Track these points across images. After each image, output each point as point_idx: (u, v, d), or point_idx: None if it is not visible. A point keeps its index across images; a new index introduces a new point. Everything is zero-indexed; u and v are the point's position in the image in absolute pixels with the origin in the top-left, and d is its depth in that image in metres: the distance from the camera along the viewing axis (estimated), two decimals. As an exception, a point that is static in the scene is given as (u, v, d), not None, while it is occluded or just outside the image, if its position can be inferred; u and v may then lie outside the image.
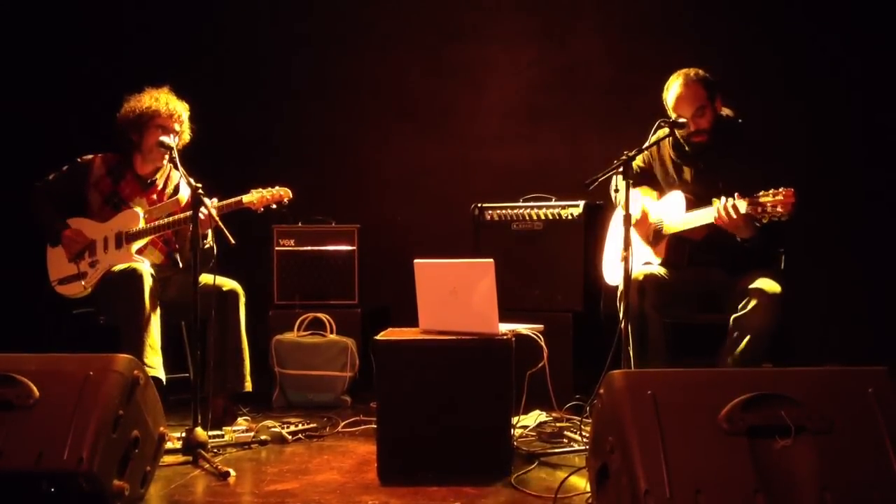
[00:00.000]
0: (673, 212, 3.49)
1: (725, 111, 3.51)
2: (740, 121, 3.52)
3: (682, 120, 3.42)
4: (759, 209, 3.03)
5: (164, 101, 3.83)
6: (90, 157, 3.94)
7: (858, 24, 4.50)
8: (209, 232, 3.56)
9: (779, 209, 2.99)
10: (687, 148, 3.51)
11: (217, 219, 3.40)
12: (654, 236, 3.60)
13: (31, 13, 5.04)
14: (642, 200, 3.65)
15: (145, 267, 3.67)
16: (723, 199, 3.18)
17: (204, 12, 5.14)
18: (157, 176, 3.98)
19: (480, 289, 2.99)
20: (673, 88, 3.45)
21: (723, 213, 3.17)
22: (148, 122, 3.83)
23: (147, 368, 3.23)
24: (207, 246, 3.66)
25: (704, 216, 3.28)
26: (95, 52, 5.03)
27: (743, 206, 3.09)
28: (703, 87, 3.42)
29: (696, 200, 3.40)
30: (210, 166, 3.84)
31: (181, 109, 3.87)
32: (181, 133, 3.87)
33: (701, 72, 3.46)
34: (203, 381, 3.37)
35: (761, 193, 3.04)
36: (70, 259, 3.80)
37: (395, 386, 3.00)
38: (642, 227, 3.61)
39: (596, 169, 3.27)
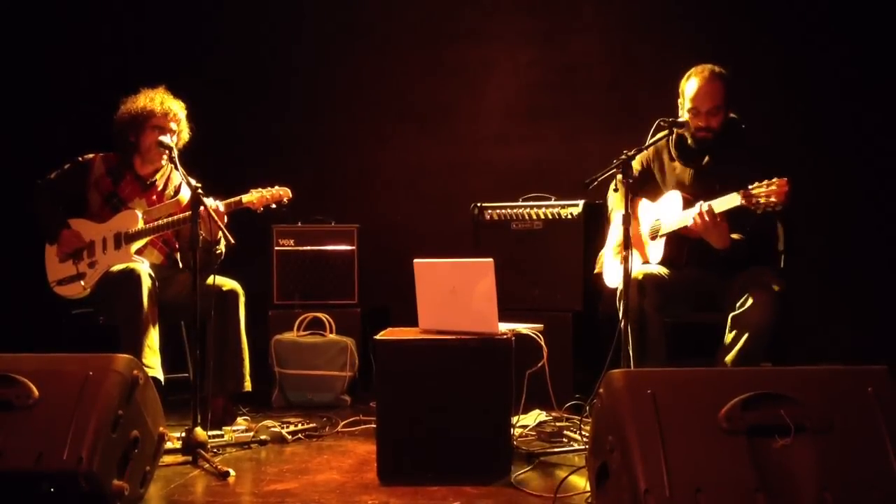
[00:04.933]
0: (669, 211, 3.49)
1: (731, 114, 3.51)
2: (743, 126, 3.52)
3: (682, 119, 3.43)
4: (753, 200, 3.04)
5: (159, 101, 3.83)
6: (91, 156, 3.94)
7: (858, 24, 4.49)
8: (221, 239, 3.54)
9: (772, 199, 3.00)
10: (690, 141, 3.50)
11: (217, 219, 3.40)
12: (652, 236, 3.59)
13: (34, 11, 5.04)
14: (639, 214, 3.66)
15: (144, 267, 3.67)
16: (698, 205, 3.22)
17: (204, 12, 5.14)
18: (157, 177, 3.98)
19: (480, 288, 2.99)
20: (695, 80, 3.43)
21: (697, 219, 3.22)
22: (144, 123, 3.83)
23: (145, 368, 3.23)
24: (218, 251, 3.65)
25: (688, 217, 3.30)
26: (98, 52, 5.02)
27: (737, 199, 3.10)
28: (724, 87, 3.41)
29: (694, 201, 3.40)
30: (210, 166, 3.84)
31: (177, 108, 3.86)
32: (179, 132, 3.87)
33: (725, 71, 3.44)
34: (203, 381, 3.37)
35: (755, 185, 3.04)
36: (62, 258, 3.80)
37: (395, 385, 3.00)
38: (635, 241, 3.60)
39: (595, 168, 3.26)
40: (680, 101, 3.50)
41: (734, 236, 3.30)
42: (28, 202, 3.89)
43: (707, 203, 3.22)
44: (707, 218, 3.21)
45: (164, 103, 3.83)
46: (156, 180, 3.97)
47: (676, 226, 3.40)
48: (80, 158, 3.94)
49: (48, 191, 3.88)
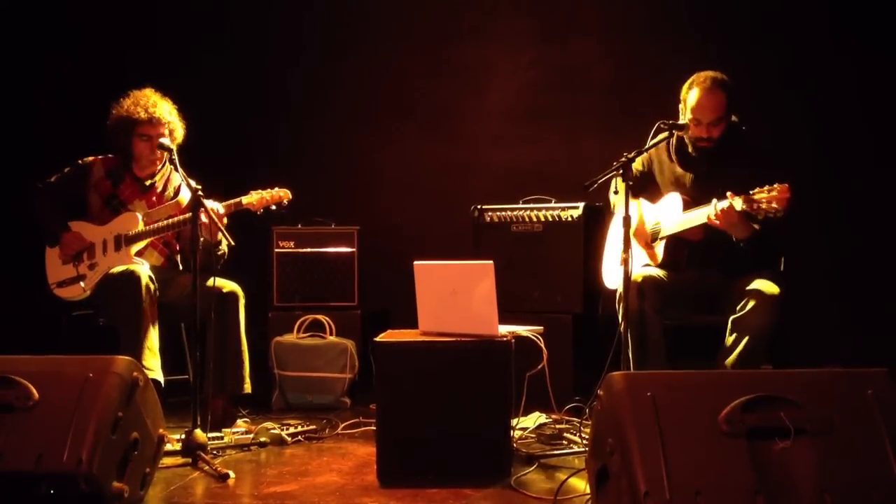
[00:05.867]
0: (670, 213, 3.49)
1: (732, 117, 3.50)
2: (744, 128, 3.51)
3: (682, 122, 3.42)
4: (755, 206, 3.04)
5: (143, 107, 3.80)
6: (91, 158, 3.95)
7: (857, 25, 4.50)
8: (223, 240, 3.54)
9: (774, 205, 2.99)
10: (690, 149, 3.50)
11: (217, 220, 3.40)
12: (652, 238, 3.59)
13: (36, 12, 5.04)
14: (638, 209, 3.64)
15: (144, 269, 3.67)
16: (715, 200, 3.20)
17: (204, 13, 5.14)
18: (157, 178, 3.98)
19: (480, 290, 2.99)
20: (696, 90, 3.39)
21: (718, 213, 3.18)
22: (131, 130, 3.81)
23: (145, 370, 3.23)
24: (220, 252, 3.66)
25: (701, 216, 3.28)
26: (100, 55, 5.02)
27: (739, 203, 3.09)
28: (727, 98, 3.38)
29: (694, 203, 3.40)
30: (210, 167, 3.83)
31: (164, 112, 3.82)
32: (172, 131, 3.84)
33: (727, 79, 3.41)
34: (203, 383, 3.36)
35: (756, 190, 3.04)
36: (64, 261, 3.80)
37: (395, 388, 2.99)
38: (639, 235, 3.59)
39: (596, 170, 3.26)
40: (681, 106, 3.48)
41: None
42: (28, 205, 3.89)
43: (729, 200, 3.16)
44: (730, 212, 3.16)
45: (149, 109, 3.79)
46: (155, 182, 3.97)
47: (683, 226, 3.38)
48: (80, 161, 3.94)
49: (49, 193, 3.89)
